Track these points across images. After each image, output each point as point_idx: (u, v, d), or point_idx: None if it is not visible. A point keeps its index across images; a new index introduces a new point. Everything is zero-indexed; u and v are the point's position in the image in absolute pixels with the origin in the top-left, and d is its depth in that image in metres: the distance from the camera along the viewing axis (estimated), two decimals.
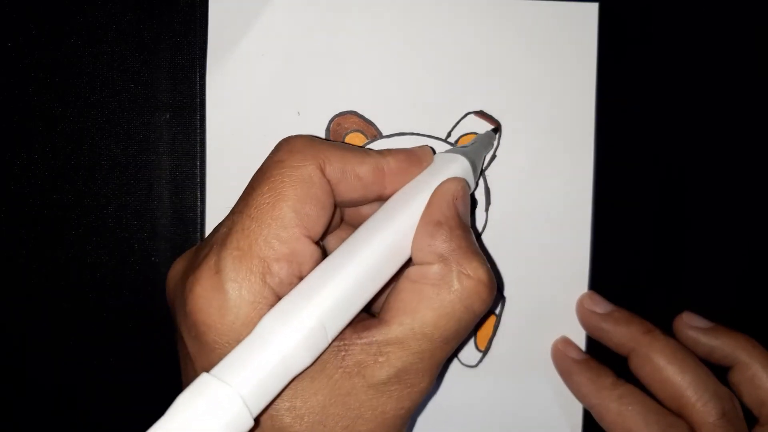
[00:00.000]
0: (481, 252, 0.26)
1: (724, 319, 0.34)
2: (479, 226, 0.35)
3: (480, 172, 0.32)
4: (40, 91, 0.34)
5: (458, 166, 0.29)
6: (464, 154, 0.30)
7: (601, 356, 0.35)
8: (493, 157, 0.35)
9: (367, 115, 0.35)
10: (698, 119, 0.37)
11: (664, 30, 0.36)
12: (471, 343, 0.36)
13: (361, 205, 0.29)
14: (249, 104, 0.34)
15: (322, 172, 0.25)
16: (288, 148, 0.26)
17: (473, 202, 0.35)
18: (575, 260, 0.36)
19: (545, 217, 0.35)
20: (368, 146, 0.35)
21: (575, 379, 0.34)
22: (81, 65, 0.34)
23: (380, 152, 0.28)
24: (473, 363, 0.36)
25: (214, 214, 0.34)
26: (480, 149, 0.32)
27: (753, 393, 0.33)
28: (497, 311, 0.36)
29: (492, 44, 0.35)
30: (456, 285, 0.25)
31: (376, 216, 0.26)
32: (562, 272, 0.36)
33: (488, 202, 0.35)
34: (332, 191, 0.26)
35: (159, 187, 0.35)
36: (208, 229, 0.34)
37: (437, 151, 0.32)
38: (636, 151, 0.36)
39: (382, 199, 0.28)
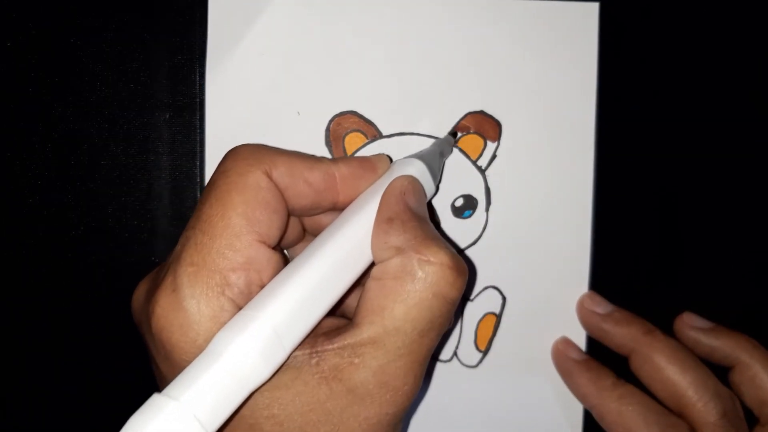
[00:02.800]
0: (441, 238, 0.26)
1: (724, 319, 0.34)
2: (479, 226, 0.35)
3: (440, 177, 0.32)
4: (40, 91, 0.34)
5: (413, 169, 0.29)
6: (420, 157, 0.30)
7: (602, 356, 0.35)
8: (493, 157, 0.35)
9: (367, 115, 0.35)
10: (698, 119, 0.37)
11: (664, 30, 0.36)
12: (471, 344, 0.36)
13: (315, 213, 0.28)
14: (249, 104, 0.34)
15: (269, 177, 0.25)
16: (233, 156, 0.26)
17: (473, 202, 0.35)
18: (575, 260, 0.36)
19: (545, 217, 0.35)
20: (368, 146, 0.35)
21: (575, 379, 0.34)
22: (81, 65, 0.34)
23: (332, 159, 0.28)
24: (473, 363, 0.36)
25: None
26: (436, 152, 0.32)
27: (754, 393, 0.33)
28: (497, 311, 0.36)
29: (492, 44, 0.35)
30: (419, 273, 0.24)
31: (333, 223, 0.26)
32: (562, 272, 0.36)
33: (488, 202, 0.35)
34: (282, 196, 0.26)
35: (159, 187, 0.35)
36: None
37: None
38: (636, 151, 0.36)
39: (337, 208, 0.28)
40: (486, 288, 0.36)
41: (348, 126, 0.34)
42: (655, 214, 0.37)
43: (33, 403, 0.36)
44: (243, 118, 0.34)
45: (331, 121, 0.34)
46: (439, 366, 0.36)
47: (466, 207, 0.35)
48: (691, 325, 0.34)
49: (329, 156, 0.34)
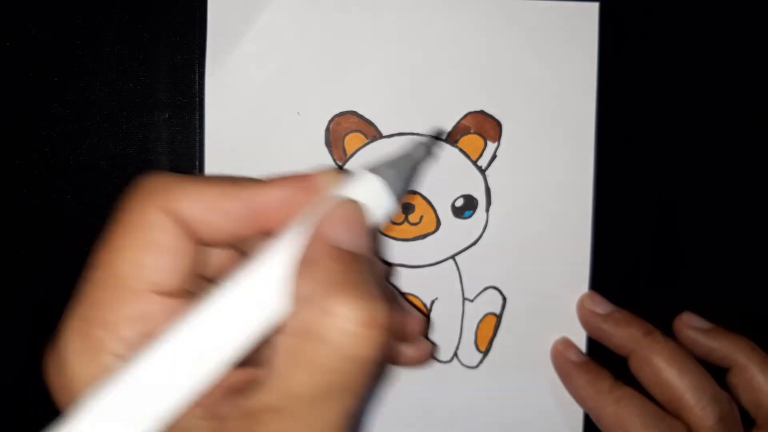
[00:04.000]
0: (367, 281, 0.21)
1: (723, 319, 0.34)
2: (479, 226, 0.35)
3: (405, 186, 0.26)
4: (40, 91, 0.34)
5: (361, 188, 0.24)
6: (375, 170, 0.25)
7: (602, 357, 0.35)
8: (493, 157, 0.35)
9: (367, 115, 0.35)
10: (698, 119, 0.36)
11: (664, 30, 0.36)
12: (471, 344, 0.36)
13: (245, 243, 0.25)
14: (248, 104, 0.34)
15: (169, 213, 0.22)
16: (132, 192, 0.23)
17: (473, 202, 0.35)
18: (575, 260, 0.36)
19: (545, 217, 0.35)
20: (368, 146, 0.35)
21: (574, 381, 0.34)
22: (81, 65, 0.34)
23: (262, 182, 0.24)
24: (473, 364, 0.36)
25: None
26: (400, 161, 0.27)
27: (750, 395, 0.33)
28: (497, 312, 0.36)
29: (492, 44, 0.35)
30: (322, 332, 0.20)
31: (239, 268, 0.23)
32: (562, 272, 0.36)
33: (488, 202, 0.35)
34: (187, 233, 0.23)
35: None
36: None
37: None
38: (636, 151, 0.36)
39: (268, 233, 0.24)
40: (486, 288, 0.36)
41: (348, 126, 0.34)
42: (655, 214, 0.37)
43: (33, 403, 0.36)
44: (242, 118, 0.34)
45: (331, 121, 0.34)
46: (439, 367, 0.36)
47: (466, 207, 0.35)
48: (690, 325, 0.34)
49: (329, 156, 0.34)
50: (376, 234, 0.25)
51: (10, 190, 0.34)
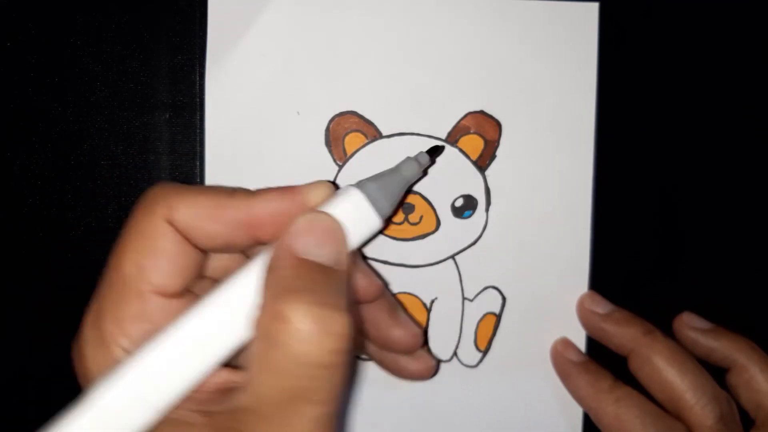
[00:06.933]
0: (329, 291, 0.22)
1: (723, 319, 0.34)
2: (479, 226, 0.35)
3: (392, 202, 0.27)
4: (40, 91, 0.34)
5: (345, 202, 0.25)
6: (361, 186, 0.26)
7: (602, 357, 0.35)
8: (493, 157, 0.35)
9: (367, 115, 0.35)
10: (698, 118, 0.37)
11: (664, 30, 0.36)
12: (471, 344, 0.36)
13: (238, 250, 0.27)
14: (249, 104, 0.34)
15: (171, 221, 0.24)
16: (140, 200, 0.25)
17: (473, 202, 0.35)
18: (575, 260, 0.36)
19: (545, 217, 0.35)
20: (368, 146, 0.35)
21: (573, 381, 0.34)
22: (81, 65, 0.34)
23: (251, 194, 0.25)
24: (473, 363, 0.36)
25: None
26: (387, 177, 0.27)
27: (750, 396, 0.33)
28: (497, 311, 0.36)
29: (492, 44, 0.35)
30: (276, 336, 0.21)
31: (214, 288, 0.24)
32: (562, 272, 0.36)
33: (488, 202, 0.35)
34: (186, 240, 0.24)
35: None
36: None
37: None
38: (636, 150, 0.36)
39: (264, 243, 0.25)
40: (486, 288, 0.36)
41: (348, 126, 0.34)
42: (655, 214, 0.37)
43: (32, 404, 0.36)
44: (243, 118, 0.34)
45: (331, 121, 0.34)
46: (439, 366, 0.36)
47: (466, 207, 0.35)
48: (690, 325, 0.34)
49: (329, 156, 0.34)
50: (356, 249, 0.26)
51: (11, 190, 0.34)
